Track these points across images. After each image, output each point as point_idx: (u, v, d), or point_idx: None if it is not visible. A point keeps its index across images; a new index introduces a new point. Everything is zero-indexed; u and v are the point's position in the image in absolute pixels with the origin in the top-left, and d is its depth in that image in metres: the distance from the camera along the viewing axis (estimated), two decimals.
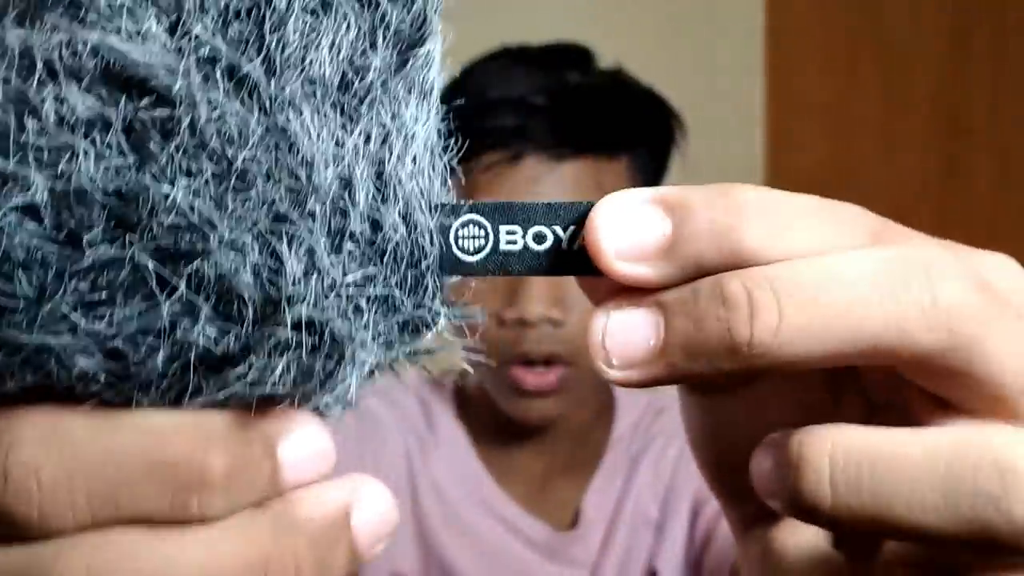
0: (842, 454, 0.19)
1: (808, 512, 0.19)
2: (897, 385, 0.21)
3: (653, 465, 0.75)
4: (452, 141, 0.20)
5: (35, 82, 0.17)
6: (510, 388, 0.70)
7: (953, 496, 0.18)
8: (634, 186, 0.72)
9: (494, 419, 0.76)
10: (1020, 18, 1.51)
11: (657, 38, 1.47)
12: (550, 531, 0.74)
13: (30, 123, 0.17)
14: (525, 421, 0.72)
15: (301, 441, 0.19)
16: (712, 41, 1.54)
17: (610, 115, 0.71)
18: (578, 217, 0.20)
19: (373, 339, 0.19)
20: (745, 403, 0.24)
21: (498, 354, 0.68)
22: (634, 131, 0.73)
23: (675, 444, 0.76)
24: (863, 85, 1.59)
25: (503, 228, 0.20)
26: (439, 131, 0.20)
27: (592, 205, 0.20)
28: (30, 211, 0.17)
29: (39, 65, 0.17)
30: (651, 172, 0.74)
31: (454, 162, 0.21)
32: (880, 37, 1.58)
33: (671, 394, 0.83)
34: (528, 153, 0.68)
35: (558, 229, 0.20)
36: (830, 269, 0.18)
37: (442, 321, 0.20)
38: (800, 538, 0.23)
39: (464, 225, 0.20)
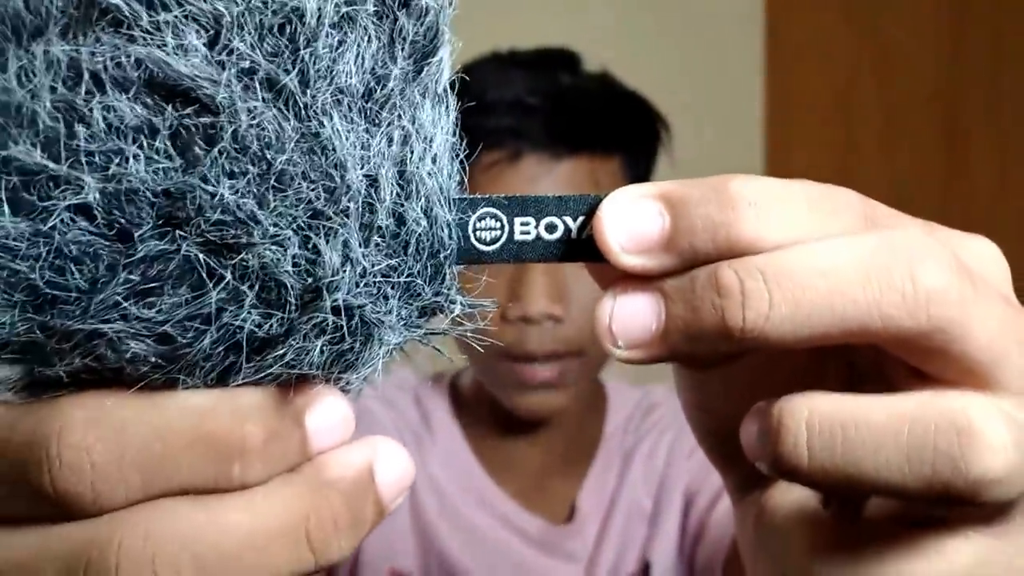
0: (818, 420, 0.20)
1: (789, 473, 0.21)
2: (879, 357, 0.22)
3: (645, 460, 0.77)
4: (462, 141, 0.22)
5: (83, 92, 0.19)
6: (513, 382, 0.71)
7: (915, 456, 0.20)
8: (627, 184, 0.74)
9: (490, 416, 0.77)
10: (1019, 18, 1.52)
11: (657, 38, 1.48)
12: (546, 525, 0.75)
13: (80, 130, 0.19)
14: (528, 414, 0.73)
15: (325, 411, 0.21)
16: (712, 41, 1.55)
17: (604, 115, 0.73)
18: (587, 208, 0.22)
19: (397, 322, 0.21)
20: (736, 374, 0.26)
21: (502, 350, 0.70)
22: (627, 130, 0.75)
23: (666, 439, 0.78)
24: (863, 85, 1.60)
25: (517, 219, 0.22)
26: (454, 132, 0.22)
27: (599, 198, 0.21)
28: (82, 210, 0.19)
29: (86, 76, 0.19)
30: (642, 170, 0.76)
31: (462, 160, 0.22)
32: (880, 37, 1.59)
33: (660, 391, 0.84)
34: (527, 152, 0.69)
35: (568, 219, 0.22)
36: (817, 257, 0.20)
37: (457, 307, 0.22)
38: (791, 498, 0.25)
39: (482, 218, 0.22)
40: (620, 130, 0.74)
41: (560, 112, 0.70)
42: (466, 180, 0.22)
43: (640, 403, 0.81)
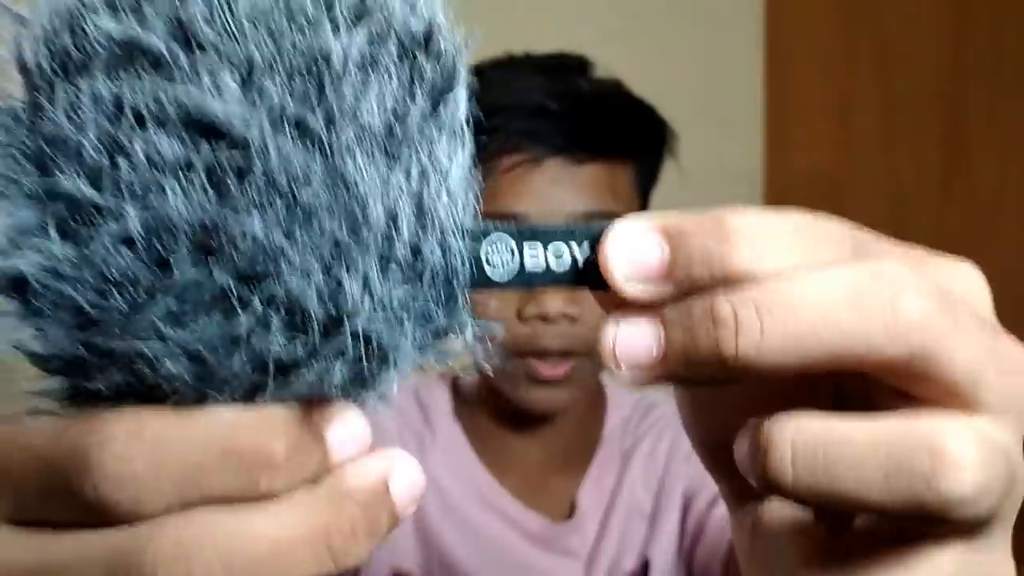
0: (803, 439, 0.22)
1: (775, 488, 0.22)
2: (866, 378, 0.24)
3: (644, 459, 0.79)
4: (476, 162, 0.23)
5: (126, 127, 0.20)
6: (524, 377, 0.73)
7: (892, 476, 0.21)
8: (637, 190, 0.76)
9: (492, 413, 0.79)
10: (1019, 18, 1.53)
11: (657, 39, 1.49)
12: (547, 522, 0.77)
13: (123, 163, 0.20)
14: (536, 408, 0.75)
15: (344, 425, 0.22)
16: (712, 41, 1.56)
17: (623, 124, 0.74)
18: (592, 237, 0.23)
19: (412, 346, 0.22)
20: (731, 391, 0.27)
21: (517, 347, 0.71)
22: (643, 140, 0.76)
23: (665, 439, 0.80)
24: (863, 85, 1.60)
25: (527, 247, 0.23)
26: (469, 164, 0.23)
27: (603, 228, 0.23)
28: (123, 238, 0.20)
29: (128, 113, 0.20)
30: (649, 177, 0.78)
31: (476, 166, 0.23)
32: (880, 37, 1.59)
33: (659, 392, 0.86)
34: (549, 156, 0.71)
35: (575, 248, 0.23)
36: (806, 288, 0.21)
37: (469, 330, 0.23)
38: (785, 510, 0.26)
39: (493, 246, 0.23)
40: (637, 139, 0.76)
41: (581, 119, 0.72)
42: (480, 205, 0.23)
43: (638, 404, 0.83)
